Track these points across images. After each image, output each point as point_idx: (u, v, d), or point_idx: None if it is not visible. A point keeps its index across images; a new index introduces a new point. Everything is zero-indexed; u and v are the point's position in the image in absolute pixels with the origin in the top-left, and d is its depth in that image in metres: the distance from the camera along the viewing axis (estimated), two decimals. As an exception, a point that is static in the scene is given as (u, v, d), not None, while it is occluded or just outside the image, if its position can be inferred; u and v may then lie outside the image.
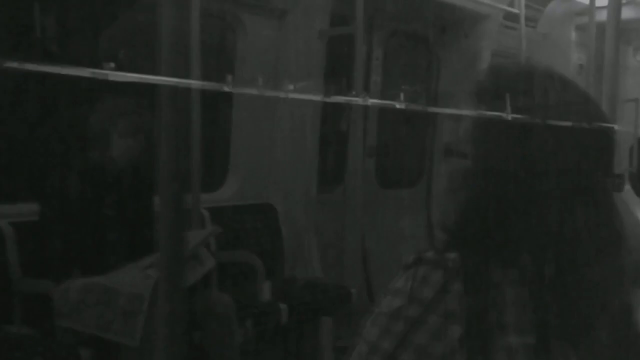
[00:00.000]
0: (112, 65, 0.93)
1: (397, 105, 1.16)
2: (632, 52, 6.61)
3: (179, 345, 1.47)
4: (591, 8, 4.33)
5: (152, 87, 1.51)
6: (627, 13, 3.38)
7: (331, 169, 4.58)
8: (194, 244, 2.92)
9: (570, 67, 5.90)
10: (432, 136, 5.32)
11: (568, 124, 0.96)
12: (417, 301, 0.95)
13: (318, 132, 4.18)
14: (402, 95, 1.20)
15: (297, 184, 4.18)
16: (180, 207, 1.52)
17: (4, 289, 2.91)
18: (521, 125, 0.97)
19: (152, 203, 2.99)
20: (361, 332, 0.99)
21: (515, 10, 5.10)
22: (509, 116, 0.97)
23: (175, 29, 1.46)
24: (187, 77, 1.54)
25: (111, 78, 0.90)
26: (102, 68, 0.91)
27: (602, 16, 2.98)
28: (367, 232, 4.43)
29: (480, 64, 5.10)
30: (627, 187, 6.54)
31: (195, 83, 2.92)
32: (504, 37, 5.26)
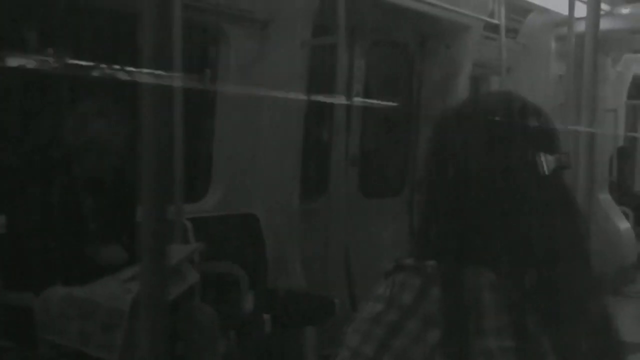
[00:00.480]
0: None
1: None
2: (611, 62, 6.70)
3: (161, 358, 1.46)
4: (570, 19, 4.39)
5: (133, 94, 1.51)
6: (605, 24, 3.43)
7: (314, 179, 4.59)
8: (178, 259, 2.91)
9: (550, 78, 5.97)
10: (414, 145, 5.34)
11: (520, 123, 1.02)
12: (396, 306, 0.97)
13: (301, 141, 4.18)
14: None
15: (280, 193, 4.17)
16: (162, 217, 1.51)
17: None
18: (488, 134, 1.03)
19: (134, 213, 2.97)
20: (344, 339, 1.00)
21: (495, 22, 5.16)
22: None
23: (157, 39, 1.46)
24: (169, 85, 1.54)
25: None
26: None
27: (581, 27, 3.02)
28: (350, 241, 4.43)
29: (461, 74, 5.15)
30: (608, 196, 6.61)
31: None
32: (485, 48, 5.30)
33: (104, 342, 2.60)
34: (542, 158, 1.02)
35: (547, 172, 1.02)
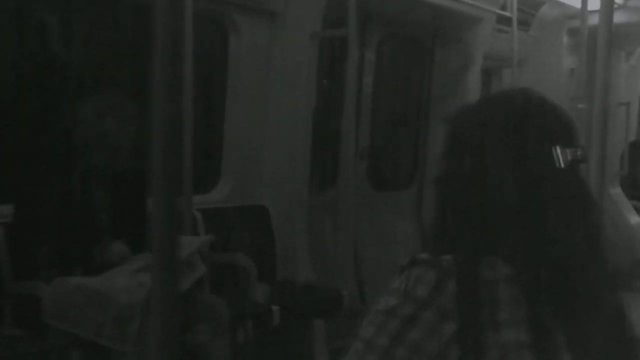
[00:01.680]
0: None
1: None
2: (624, 56, 6.65)
3: (172, 350, 1.47)
4: (583, 12, 4.35)
5: (143, 86, 1.51)
6: (619, 17, 3.40)
7: (324, 171, 4.58)
8: (189, 252, 2.91)
9: (562, 71, 5.93)
10: (425, 138, 5.33)
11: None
12: (411, 300, 0.98)
13: (310, 134, 4.18)
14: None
15: (290, 186, 4.18)
16: (172, 208, 1.51)
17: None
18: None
19: (145, 203, 2.98)
20: (357, 331, 1.01)
21: (507, 14, 5.12)
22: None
23: (168, 30, 1.46)
24: (180, 78, 1.54)
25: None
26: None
27: (594, 20, 3.00)
28: (359, 234, 4.43)
29: (473, 67, 5.12)
30: (619, 190, 6.58)
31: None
32: (497, 41, 5.27)
33: (116, 334, 2.61)
34: (558, 151, 1.03)
35: (563, 166, 1.03)
